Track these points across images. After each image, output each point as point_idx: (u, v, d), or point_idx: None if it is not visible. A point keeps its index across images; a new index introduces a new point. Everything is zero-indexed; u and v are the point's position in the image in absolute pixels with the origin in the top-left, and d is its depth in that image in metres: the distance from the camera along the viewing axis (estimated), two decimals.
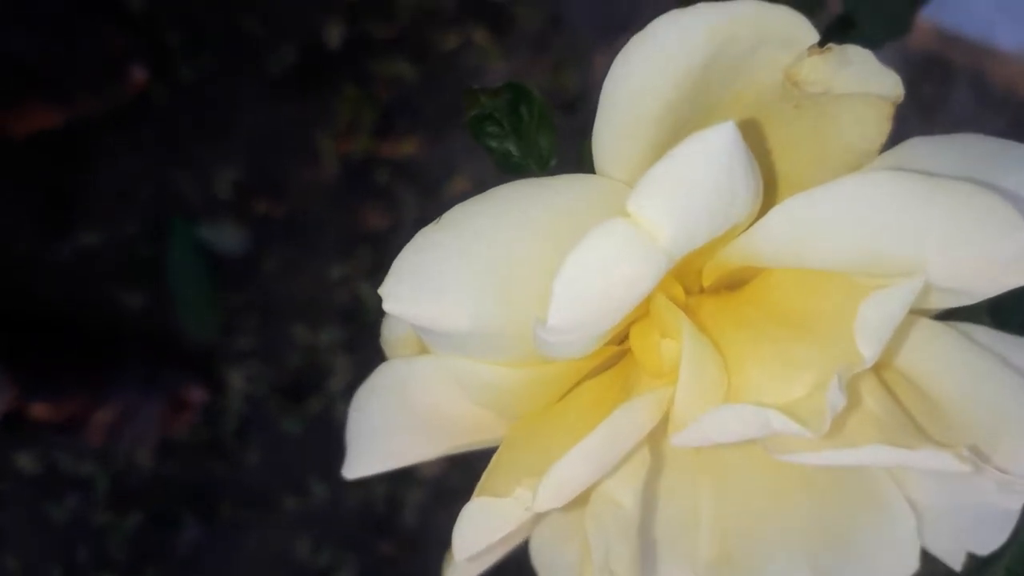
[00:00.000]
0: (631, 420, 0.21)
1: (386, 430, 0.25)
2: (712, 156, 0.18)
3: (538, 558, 0.27)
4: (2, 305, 0.97)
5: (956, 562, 0.27)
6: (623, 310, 0.20)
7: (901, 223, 0.19)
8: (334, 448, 0.28)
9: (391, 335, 0.25)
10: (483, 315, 0.21)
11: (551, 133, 0.28)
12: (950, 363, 0.22)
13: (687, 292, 0.24)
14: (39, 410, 0.99)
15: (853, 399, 0.22)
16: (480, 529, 0.22)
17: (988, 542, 0.26)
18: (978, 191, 0.18)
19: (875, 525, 0.26)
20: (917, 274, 0.19)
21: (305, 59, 1.00)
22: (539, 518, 0.26)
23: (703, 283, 0.24)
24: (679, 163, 0.18)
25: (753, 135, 0.22)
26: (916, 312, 0.23)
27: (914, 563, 0.26)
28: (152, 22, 0.95)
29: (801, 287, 0.22)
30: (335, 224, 1.03)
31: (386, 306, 0.21)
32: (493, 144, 0.29)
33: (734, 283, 0.25)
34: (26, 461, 1.00)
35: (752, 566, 0.27)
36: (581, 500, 0.24)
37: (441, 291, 0.21)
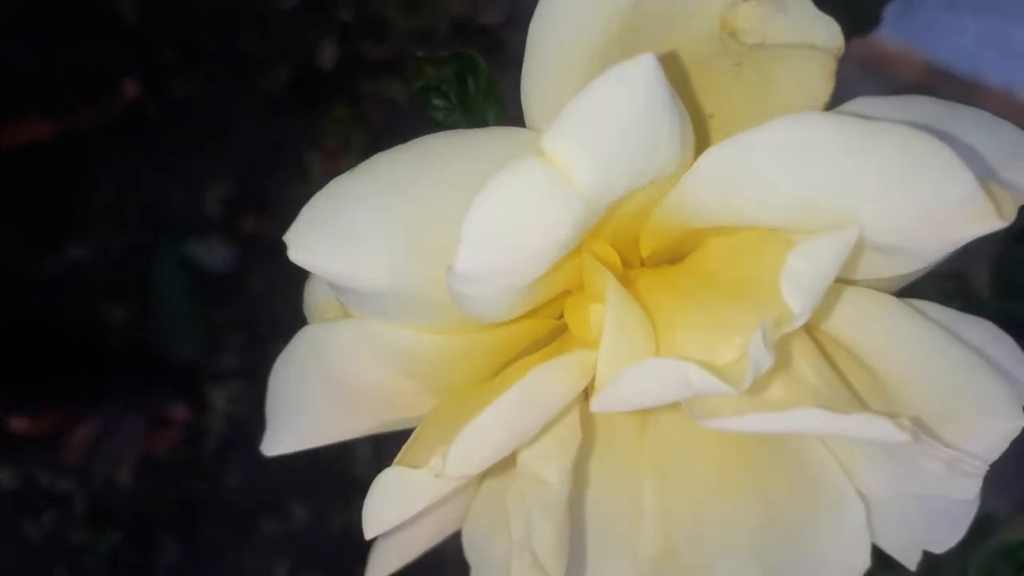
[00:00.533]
0: (550, 381, 0.19)
1: (306, 403, 0.23)
2: (630, 90, 0.17)
3: (470, 553, 0.26)
4: None
5: (911, 560, 0.25)
6: (540, 260, 0.18)
7: (836, 168, 0.17)
8: (316, 471, 0.26)
9: (312, 300, 0.23)
10: (399, 272, 0.20)
11: (497, 105, 0.27)
12: (900, 336, 0.21)
13: (626, 265, 0.23)
14: (18, 424, 0.97)
15: (788, 367, 0.20)
16: (392, 503, 0.20)
17: (943, 539, 0.25)
18: (919, 135, 0.17)
19: (824, 519, 0.24)
20: (851, 225, 0.17)
21: (298, 78, 0.99)
22: (464, 500, 0.25)
23: (642, 255, 0.23)
24: (595, 98, 0.17)
25: (692, 96, 0.21)
26: (866, 284, 0.21)
27: (865, 559, 0.24)
28: (147, 37, 0.94)
29: (737, 254, 0.21)
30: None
31: (292, 255, 0.19)
32: (439, 117, 0.28)
33: (674, 257, 0.23)
34: (4, 476, 0.98)
35: (699, 563, 0.26)
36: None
37: (353, 243, 0.19)
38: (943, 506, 0.24)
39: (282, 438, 0.24)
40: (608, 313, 0.19)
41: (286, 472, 1.02)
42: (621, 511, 0.26)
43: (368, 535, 0.21)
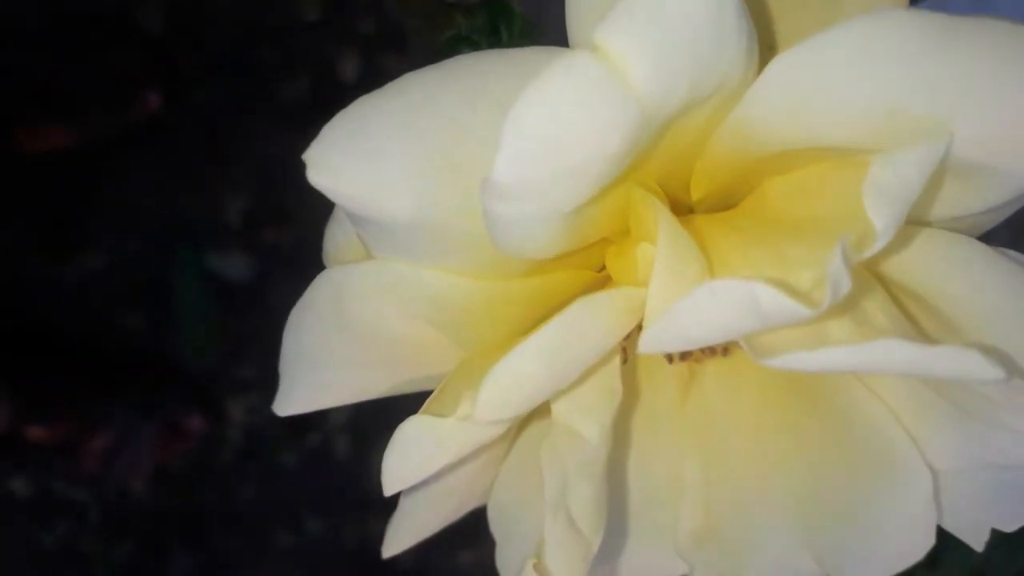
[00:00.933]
0: (594, 316, 0.17)
1: (322, 356, 0.21)
2: None
3: (496, 527, 0.23)
4: (1, 324, 0.94)
5: (979, 540, 0.23)
6: (587, 177, 0.16)
7: (922, 68, 0.15)
8: (332, 484, 0.24)
9: (332, 246, 0.21)
10: (426, 199, 0.18)
11: None
12: (978, 280, 0.18)
13: (675, 211, 0.20)
14: (35, 432, 0.95)
15: (855, 308, 0.18)
16: (415, 454, 0.18)
17: (1016, 513, 0.22)
18: (1019, 30, 0.15)
19: (885, 492, 0.22)
20: (941, 134, 0.15)
21: (320, 90, 0.98)
22: (491, 467, 0.22)
23: (692, 199, 0.21)
24: None
25: (757, 14, 0.19)
26: (941, 227, 0.19)
27: (929, 538, 0.22)
28: (169, 47, 0.93)
29: (801, 191, 0.19)
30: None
31: (311, 176, 0.17)
32: None
33: (727, 203, 0.21)
34: (19, 484, 0.96)
35: (742, 543, 0.23)
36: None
37: (376, 164, 0.17)
38: (1016, 478, 0.22)
39: (296, 396, 0.21)
40: (660, 243, 0.17)
41: (301, 485, 1.00)
42: (661, 484, 0.24)
43: (388, 491, 0.18)
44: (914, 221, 0.19)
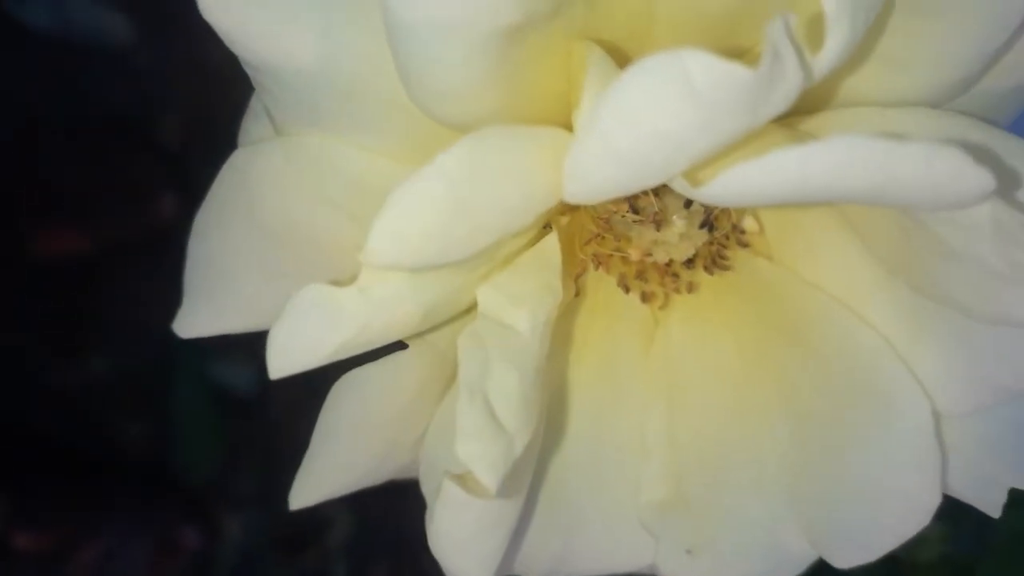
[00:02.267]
0: (514, 147, 0.14)
1: (229, 261, 0.18)
2: None
3: (425, 484, 0.20)
4: None
5: (995, 505, 0.19)
6: None
7: None
8: None
9: (246, 142, 0.19)
10: (333, 39, 0.16)
11: None
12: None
13: None
14: (23, 540, 0.91)
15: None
16: (304, 327, 0.15)
17: None
18: None
19: (880, 437, 0.19)
20: None
21: None
22: (419, 416, 0.19)
23: None
24: None
25: None
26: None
27: (934, 492, 0.18)
28: (185, 155, 0.94)
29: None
30: (345, 366, 0.97)
31: (203, 8, 0.15)
32: None
33: None
34: None
35: (715, 511, 0.20)
36: None
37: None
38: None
39: (199, 314, 0.19)
40: (589, 72, 0.14)
41: None
42: (624, 449, 0.21)
43: (273, 370, 0.15)
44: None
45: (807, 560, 0.20)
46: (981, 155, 0.12)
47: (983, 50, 0.15)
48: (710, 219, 0.19)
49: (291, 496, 0.19)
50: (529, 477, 0.18)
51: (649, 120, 0.13)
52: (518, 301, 0.16)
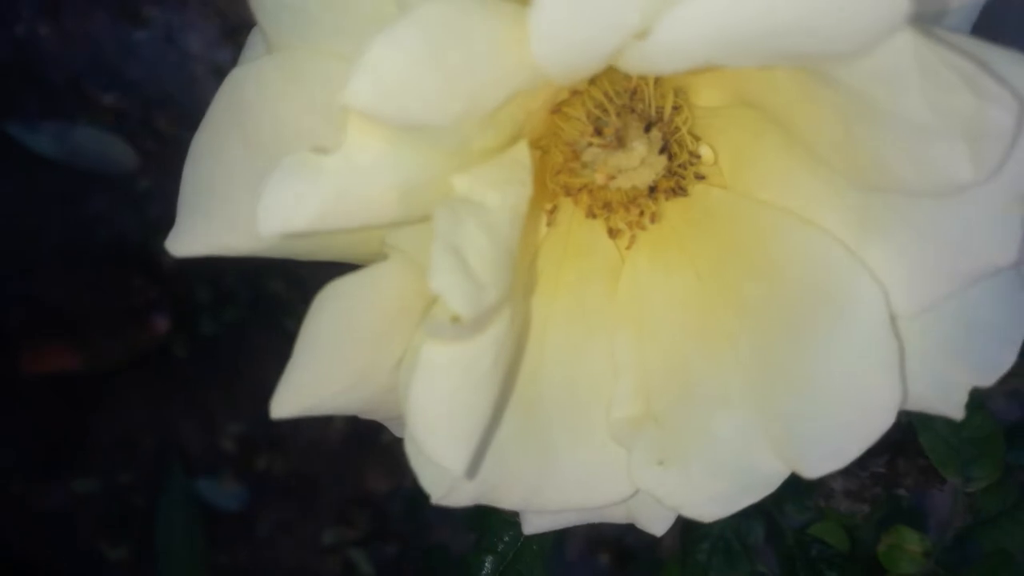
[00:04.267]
0: (486, 13, 0.16)
1: (222, 178, 0.19)
2: None
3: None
4: None
5: (956, 406, 0.19)
6: None
7: None
8: None
9: (252, 56, 0.20)
10: None
11: None
12: None
13: None
14: None
15: None
16: (289, 188, 0.16)
17: (992, 359, 0.19)
18: None
19: (837, 336, 0.19)
20: None
21: None
22: (397, 328, 0.19)
23: None
24: None
25: None
26: None
27: (894, 384, 0.19)
28: (181, 277, 0.96)
29: None
30: (334, 484, 0.96)
31: None
32: None
33: None
34: None
35: (686, 428, 0.20)
36: None
37: None
38: (986, 315, 0.19)
39: (192, 231, 0.19)
40: None
41: None
42: (596, 380, 0.21)
43: (263, 231, 0.16)
44: None
45: (778, 478, 0.20)
46: None
47: None
48: (667, 145, 0.20)
49: (272, 404, 0.20)
50: (504, 371, 0.19)
51: None
52: (491, 185, 0.17)
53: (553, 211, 0.21)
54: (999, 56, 0.16)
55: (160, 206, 0.95)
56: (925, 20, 0.17)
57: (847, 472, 0.32)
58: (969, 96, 0.15)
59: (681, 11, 0.14)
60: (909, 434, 0.31)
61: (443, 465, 0.18)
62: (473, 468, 0.18)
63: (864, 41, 0.15)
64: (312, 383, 0.19)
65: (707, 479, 0.20)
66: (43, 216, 0.96)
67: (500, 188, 0.17)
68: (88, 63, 0.98)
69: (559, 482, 0.21)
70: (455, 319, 0.15)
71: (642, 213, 0.21)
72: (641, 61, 0.16)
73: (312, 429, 0.96)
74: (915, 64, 0.15)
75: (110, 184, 0.97)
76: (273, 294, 0.99)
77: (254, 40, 0.20)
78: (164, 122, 0.98)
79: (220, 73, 0.94)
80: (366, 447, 0.96)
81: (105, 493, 0.95)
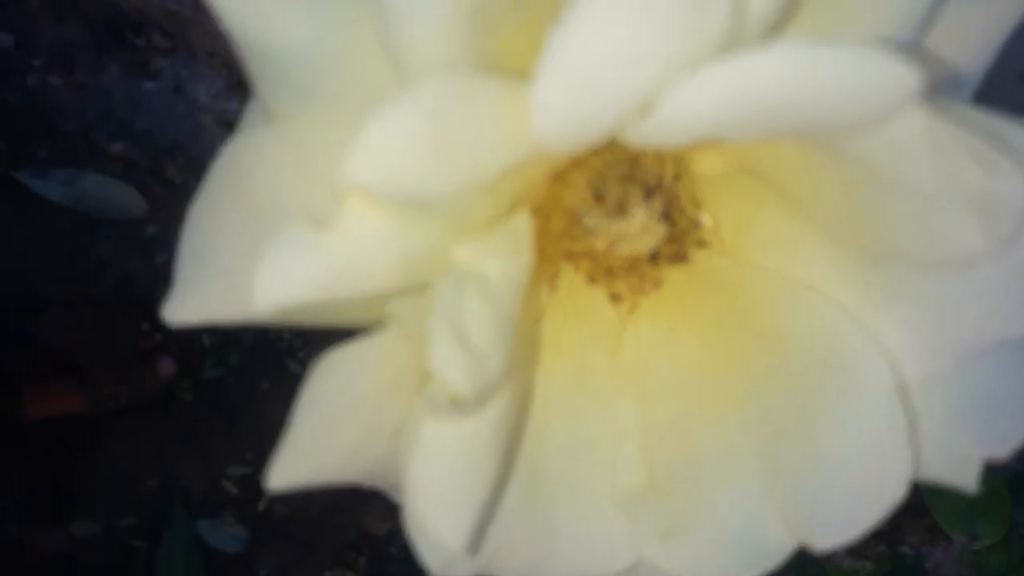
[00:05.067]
0: (487, 91, 0.15)
1: (220, 245, 0.19)
2: None
3: None
4: None
5: (969, 478, 0.18)
6: None
7: None
8: None
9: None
10: (325, 21, 0.17)
11: None
12: None
13: None
14: None
15: None
16: (285, 263, 0.15)
17: (1005, 431, 0.18)
18: None
19: (845, 407, 0.18)
20: None
21: None
22: (398, 393, 0.19)
23: None
24: None
25: None
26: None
27: (904, 459, 0.18)
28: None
29: None
30: (334, 526, 0.95)
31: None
32: None
33: None
34: None
35: (691, 496, 0.19)
36: None
37: None
38: (999, 386, 0.18)
39: (188, 300, 0.19)
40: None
41: None
42: (599, 445, 0.20)
43: (258, 307, 0.15)
44: None
45: (786, 549, 0.19)
46: (909, 55, 0.13)
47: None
48: (668, 212, 0.20)
49: (270, 476, 0.19)
50: (506, 444, 0.18)
51: (596, 32, 0.13)
52: (492, 255, 0.17)
53: (554, 277, 0.21)
54: (1009, 128, 0.15)
55: (166, 252, 0.95)
56: (935, 90, 0.16)
57: None
58: (978, 171, 0.15)
59: (684, 87, 0.14)
60: (914, 491, 0.30)
61: (444, 543, 0.17)
62: (474, 544, 0.18)
63: (873, 116, 0.14)
64: (309, 454, 0.19)
65: (713, 551, 0.19)
66: (51, 260, 0.95)
67: (501, 258, 0.17)
68: (98, 113, 0.98)
69: (561, 552, 0.20)
70: (454, 397, 0.15)
71: (643, 279, 0.21)
72: (644, 136, 0.15)
73: None
74: (924, 138, 0.15)
75: (118, 230, 0.96)
76: (277, 337, 0.98)
77: (252, 108, 0.19)
78: (172, 170, 0.98)
79: (227, 123, 0.95)
80: (365, 488, 0.95)
81: (106, 536, 0.93)
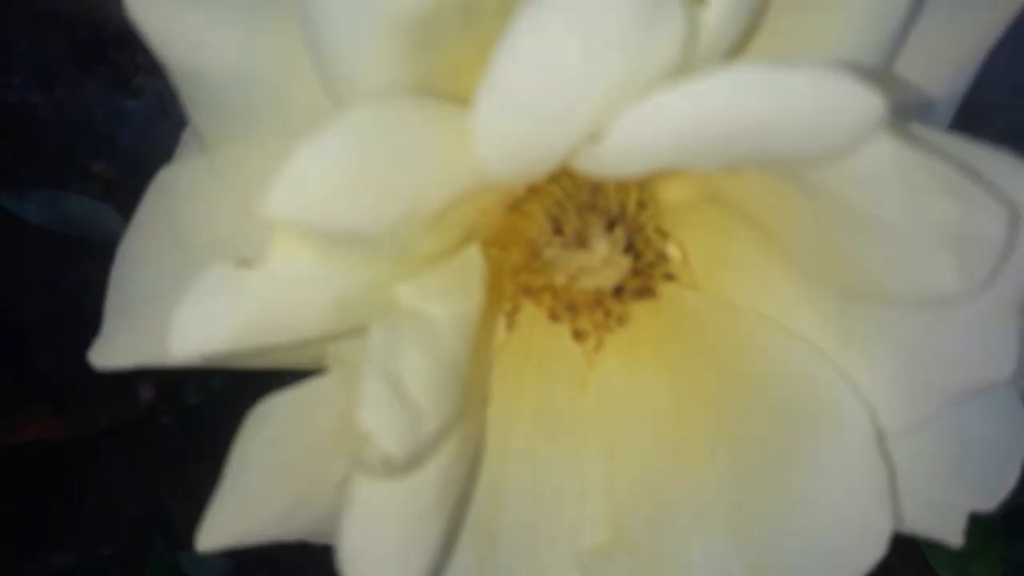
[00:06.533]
0: (423, 113, 0.14)
1: (150, 282, 0.18)
2: None
3: None
4: None
5: (955, 532, 0.17)
6: None
7: None
8: None
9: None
10: (256, 44, 0.16)
11: None
12: None
13: None
14: None
15: None
16: (207, 305, 0.14)
17: (992, 485, 0.17)
18: None
19: (819, 459, 0.17)
20: None
21: None
22: (337, 448, 0.18)
23: None
24: None
25: None
26: None
27: (883, 516, 0.17)
28: None
29: None
30: (320, 556, 0.93)
31: (129, 8, 0.15)
32: None
33: None
34: None
35: (658, 555, 0.18)
36: None
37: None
38: (984, 435, 0.17)
39: (117, 342, 0.18)
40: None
41: None
42: (556, 493, 0.19)
43: (174, 353, 0.14)
44: None
45: None
46: (874, 79, 0.12)
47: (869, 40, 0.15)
48: (632, 244, 0.19)
49: (199, 536, 0.18)
50: (453, 503, 0.17)
51: (536, 55, 0.13)
52: (437, 296, 0.16)
53: (513, 313, 0.20)
54: (987, 157, 0.14)
55: None
56: (905, 116, 0.16)
57: None
58: (953, 205, 0.14)
59: (635, 113, 0.13)
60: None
61: None
62: None
63: (836, 144, 0.13)
64: (244, 510, 0.18)
65: None
66: (29, 283, 0.94)
67: (448, 297, 0.16)
68: (80, 131, 0.97)
69: None
70: (387, 457, 0.14)
71: (608, 315, 0.20)
72: (595, 165, 0.14)
73: None
74: (894, 169, 0.14)
75: (98, 251, 0.95)
76: None
77: (187, 138, 0.18)
78: None
79: None
80: None
81: (85, 567, 0.92)
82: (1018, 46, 0.18)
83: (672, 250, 0.19)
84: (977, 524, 0.29)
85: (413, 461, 0.14)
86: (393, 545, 0.15)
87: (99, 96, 0.99)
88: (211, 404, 0.97)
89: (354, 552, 0.15)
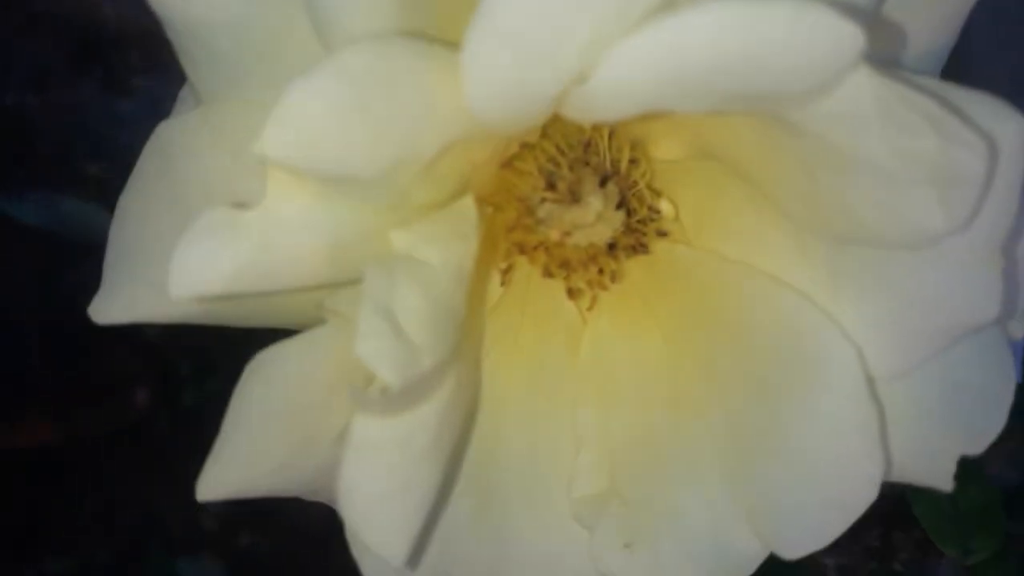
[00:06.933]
0: (417, 59, 0.14)
1: (148, 239, 0.18)
2: None
3: None
4: None
5: (945, 476, 0.18)
6: None
7: None
8: None
9: None
10: None
11: None
12: None
13: None
14: None
15: None
16: (207, 245, 0.15)
17: (981, 427, 0.18)
18: None
19: (811, 404, 0.18)
20: None
21: None
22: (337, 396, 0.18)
23: None
24: None
25: None
26: None
27: (874, 458, 0.17)
28: (164, 350, 0.94)
29: None
30: (319, 563, 0.93)
31: None
32: None
33: None
34: None
35: (654, 504, 0.19)
36: None
37: None
38: (971, 380, 0.18)
39: (115, 299, 0.18)
40: None
41: None
42: (552, 446, 0.20)
43: (174, 293, 0.15)
44: None
45: (756, 559, 0.18)
46: (852, 13, 0.13)
47: None
48: (625, 200, 0.19)
49: (198, 487, 0.18)
50: (449, 447, 0.17)
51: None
52: (431, 241, 0.16)
53: (508, 271, 0.20)
54: (968, 98, 0.15)
55: None
56: (890, 63, 0.16)
57: (839, 546, 0.30)
58: (935, 139, 0.14)
59: (622, 50, 0.13)
60: (903, 505, 0.30)
61: (381, 555, 0.16)
62: (415, 557, 0.17)
63: (818, 79, 0.14)
64: (242, 461, 0.18)
65: (678, 561, 0.18)
66: (24, 286, 0.94)
67: (441, 243, 0.16)
68: (74, 132, 0.98)
69: (518, 564, 0.19)
70: (385, 389, 0.14)
71: (602, 272, 0.20)
72: (584, 107, 0.15)
73: (295, 505, 0.93)
74: (875, 105, 0.14)
75: (93, 253, 0.96)
76: None
77: (185, 95, 0.19)
78: None
79: None
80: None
81: (81, 573, 0.92)
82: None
83: (664, 206, 0.20)
84: (977, 500, 0.30)
85: (410, 396, 0.15)
86: (390, 483, 0.15)
87: (94, 98, 0.99)
88: (208, 408, 0.97)
89: (352, 489, 0.15)
